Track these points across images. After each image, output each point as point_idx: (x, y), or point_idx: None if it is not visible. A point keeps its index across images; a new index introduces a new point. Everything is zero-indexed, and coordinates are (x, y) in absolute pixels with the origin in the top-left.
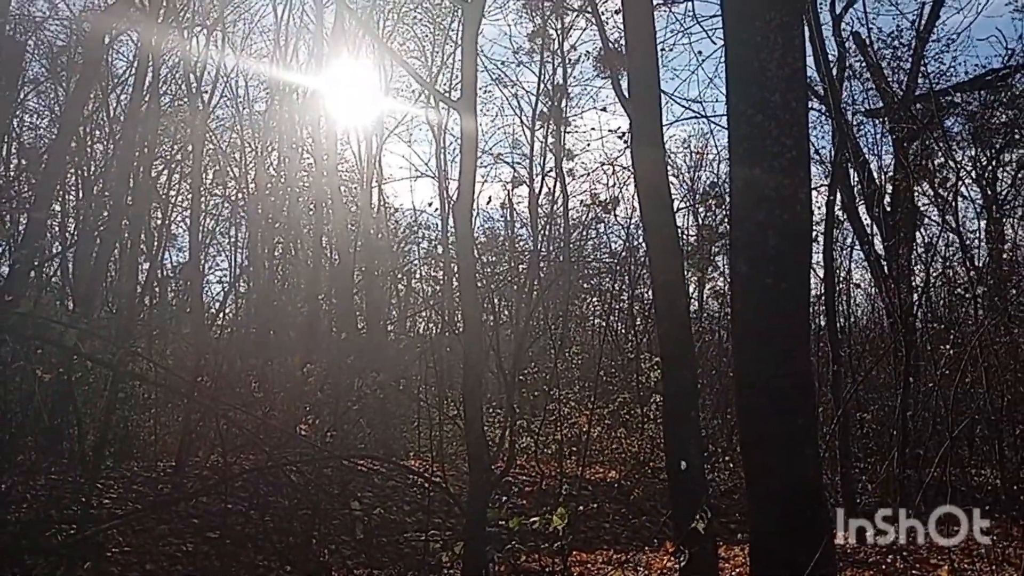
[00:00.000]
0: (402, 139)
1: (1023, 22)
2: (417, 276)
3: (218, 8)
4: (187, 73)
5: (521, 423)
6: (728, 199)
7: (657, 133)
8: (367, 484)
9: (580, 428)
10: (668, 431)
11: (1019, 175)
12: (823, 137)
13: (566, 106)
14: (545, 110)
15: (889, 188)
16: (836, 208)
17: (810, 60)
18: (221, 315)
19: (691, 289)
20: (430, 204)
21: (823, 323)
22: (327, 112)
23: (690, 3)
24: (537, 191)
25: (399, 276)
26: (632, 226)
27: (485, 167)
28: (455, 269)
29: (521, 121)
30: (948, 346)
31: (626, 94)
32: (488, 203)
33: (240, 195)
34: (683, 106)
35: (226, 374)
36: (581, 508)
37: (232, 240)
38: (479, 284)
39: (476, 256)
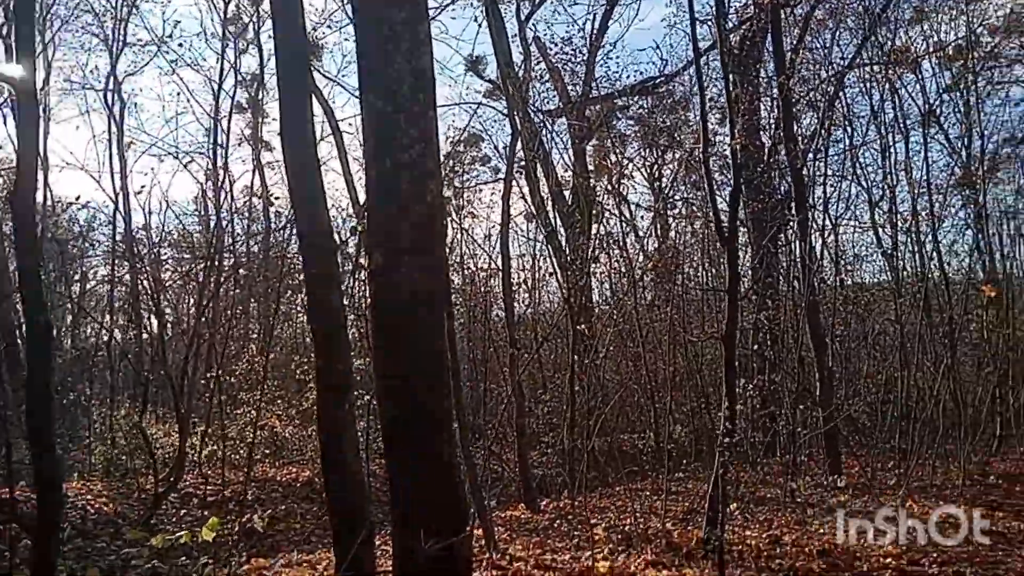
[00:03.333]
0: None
1: (673, 36)
2: (94, 278)
3: None
4: None
5: (208, 429)
6: (366, 193)
7: (305, 118)
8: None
9: (271, 429)
10: (323, 425)
11: (679, 173)
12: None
13: (263, 97)
14: (242, 101)
15: (570, 183)
16: (514, 202)
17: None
18: None
19: None
20: (77, 198)
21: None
22: None
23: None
24: (220, 182)
25: (74, 278)
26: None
27: (178, 158)
28: (142, 268)
29: (208, 111)
30: (613, 325)
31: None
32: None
33: None
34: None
35: None
36: (269, 511)
37: None
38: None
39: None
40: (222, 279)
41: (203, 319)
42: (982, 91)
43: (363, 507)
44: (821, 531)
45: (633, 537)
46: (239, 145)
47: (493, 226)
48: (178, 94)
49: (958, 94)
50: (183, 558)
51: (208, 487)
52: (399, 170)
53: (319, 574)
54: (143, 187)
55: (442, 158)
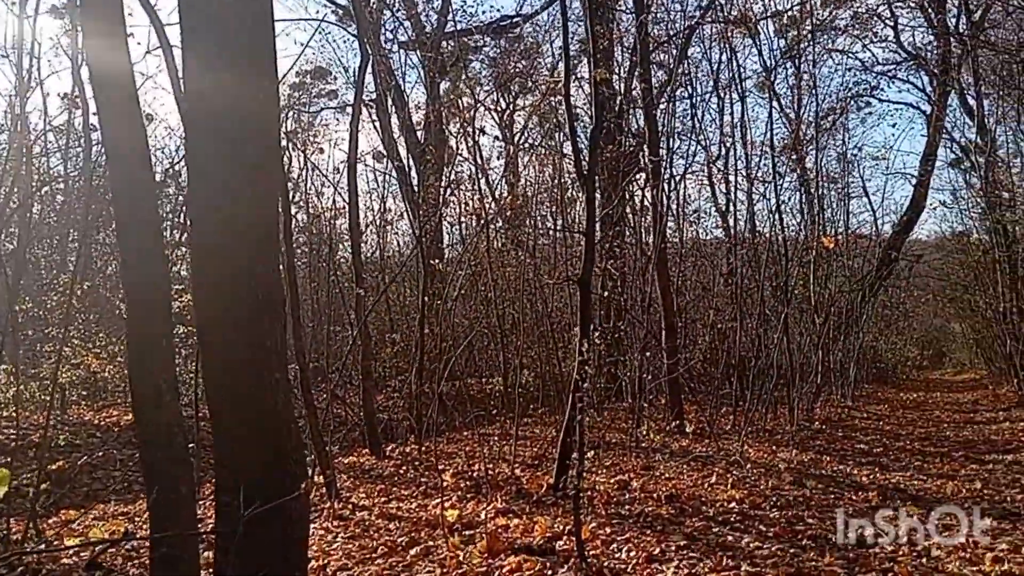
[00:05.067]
0: None
1: None
2: None
3: None
4: None
5: (13, 367)
6: (185, 109)
7: (116, 21)
8: None
9: (88, 368)
10: (132, 363)
11: (531, 119)
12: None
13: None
14: (57, 3)
15: (422, 122)
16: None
17: None
18: None
19: None
20: None
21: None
22: None
23: None
24: (25, 91)
25: None
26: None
27: None
28: None
29: (12, 10)
30: (464, 268)
31: None
32: None
33: None
34: None
35: None
36: (85, 458)
37: None
38: None
39: None
40: (28, 198)
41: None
42: (819, 57)
43: (179, 458)
44: (667, 476)
45: (482, 484)
46: (56, 56)
47: (341, 164)
48: None
49: (790, 63)
50: None
51: (12, 431)
52: (222, 57)
53: (136, 527)
54: None
55: (287, 89)
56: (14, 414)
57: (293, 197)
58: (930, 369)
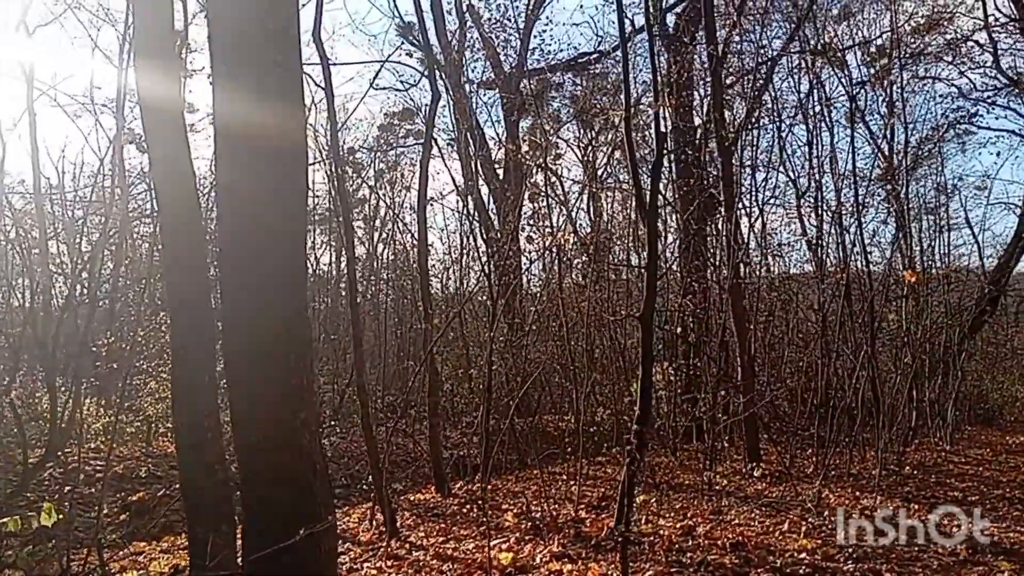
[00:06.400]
0: None
1: (608, 12)
2: None
3: None
4: None
5: (100, 400)
6: (214, 140)
7: (168, 54)
8: None
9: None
10: (178, 399)
11: (613, 155)
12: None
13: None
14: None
15: (501, 158)
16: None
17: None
18: None
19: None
20: None
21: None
22: None
23: None
24: (120, 141)
25: None
26: None
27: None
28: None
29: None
30: (538, 304)
31: None
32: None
33: None
34: None
35: None
36: (163, 490)
37: None
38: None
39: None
40: (121, 233)
41: (79, 286)
42: (906, 85)
43: (220, 497)
44: (736, 521)
45: (541, 525)
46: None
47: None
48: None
49: (881, 91)
50: (51, 542)
51: (98, 462)
52: (256, 106)
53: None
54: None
55: (376, 131)
56: (102, 446)
57: (380, 235)
58: None
